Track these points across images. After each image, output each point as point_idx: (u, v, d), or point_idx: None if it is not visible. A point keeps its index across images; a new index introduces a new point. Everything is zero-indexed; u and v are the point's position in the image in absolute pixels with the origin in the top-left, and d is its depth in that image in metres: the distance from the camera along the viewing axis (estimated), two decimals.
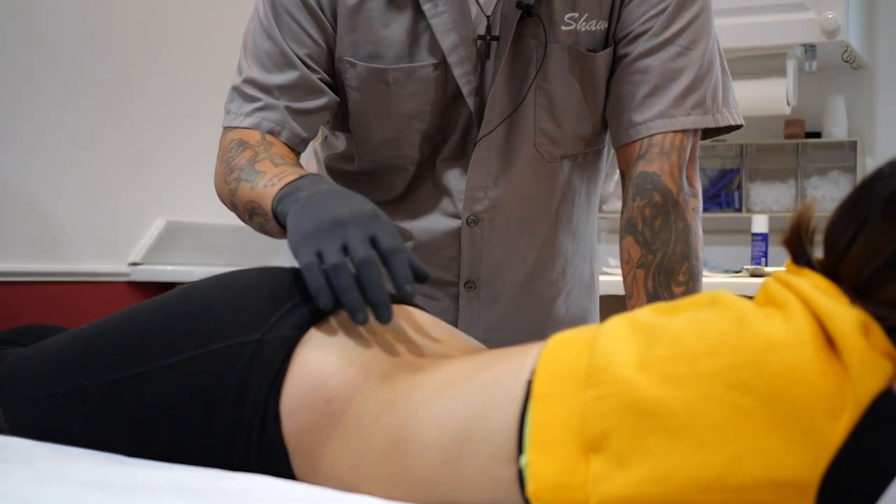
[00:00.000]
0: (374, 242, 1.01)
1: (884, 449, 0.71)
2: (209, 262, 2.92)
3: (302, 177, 1.16)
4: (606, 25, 1.33)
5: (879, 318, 0.78)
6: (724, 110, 1.35)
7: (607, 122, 1.41)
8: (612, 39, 1.34)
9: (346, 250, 1.00)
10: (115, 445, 1.04)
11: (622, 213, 1.36)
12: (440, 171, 1.39)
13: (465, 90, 1.32)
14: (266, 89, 1.32)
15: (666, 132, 1.31)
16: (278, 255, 3.28)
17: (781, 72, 2.88)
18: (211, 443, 0.99)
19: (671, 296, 1.27)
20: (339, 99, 1.37)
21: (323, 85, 1.34)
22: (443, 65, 1.31)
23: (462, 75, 1.31)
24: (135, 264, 2.84)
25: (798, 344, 0.76)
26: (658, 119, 1.32)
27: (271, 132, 1.31)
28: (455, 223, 1.40)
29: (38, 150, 2.56)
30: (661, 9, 1.31)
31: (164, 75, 2.93)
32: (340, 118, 1.41)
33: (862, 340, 0.75)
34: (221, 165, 1.31)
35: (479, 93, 1.33)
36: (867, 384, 0.73)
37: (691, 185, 1.34)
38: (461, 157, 1.38)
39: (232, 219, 1.33)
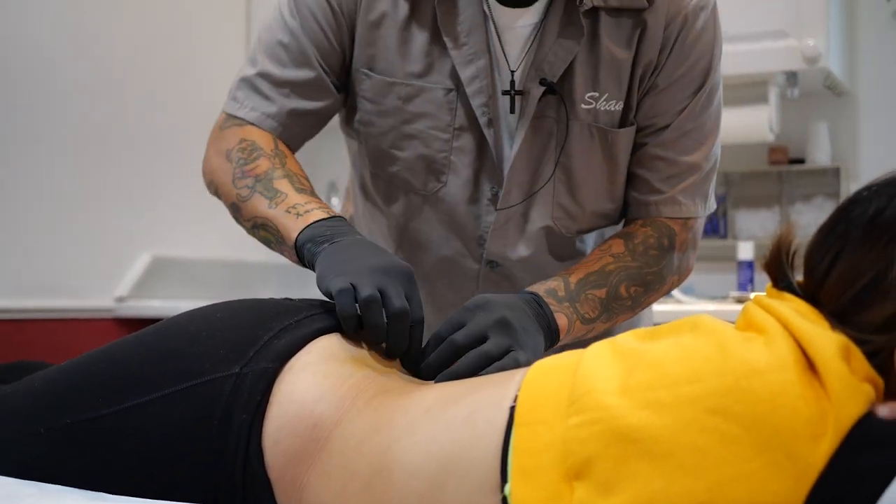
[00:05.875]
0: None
1: (865, 473, 0.71)
2: (196, 296, 2.90)
3: (331, 217, 1.20)
4: (623, 105, 1.34)
5: (860, 343, 0.78)
6: (713, 198, 1.43)
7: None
8: (633, 120, 1.35)
9: (381, 294, 1.05)
10: (98, 483, 1.03)
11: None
12: (452, 210, 1.38)
13: (482, 121, 1.31)
14: (279, 83, 1.35)
15: (677, 218, 1.38)
16: (266, 286, 3.28)
17: (764, 99, 2.90)
18: (195, 478, 0.99)
19: (615, 293, 1.28)
20: (342, 103, 1.40)
21: (333, 88, 1.36)
22: (455, 92, 1.32)
23: (479, 106, 1.31)
24: (121, 300, 2.83)
25: (780, 369, 0.76)
26: (671, 205, 1.37)
27: (272, 132, 1.34)
28: (473, 266, 1.40)
29: (21, 186, 2.56)
30: (684, 106, 1.34)
31: (148, 111, 2.94)
32: (350, 122, 1.42)
33: (843, 365, 0.75)
34: (226, 161, 1.32)
35: (494, 126, 1.33)
36: (848, 408, 0.73)
37: (686, 266, 1.40)
38: (473, 200, 1.36)
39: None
